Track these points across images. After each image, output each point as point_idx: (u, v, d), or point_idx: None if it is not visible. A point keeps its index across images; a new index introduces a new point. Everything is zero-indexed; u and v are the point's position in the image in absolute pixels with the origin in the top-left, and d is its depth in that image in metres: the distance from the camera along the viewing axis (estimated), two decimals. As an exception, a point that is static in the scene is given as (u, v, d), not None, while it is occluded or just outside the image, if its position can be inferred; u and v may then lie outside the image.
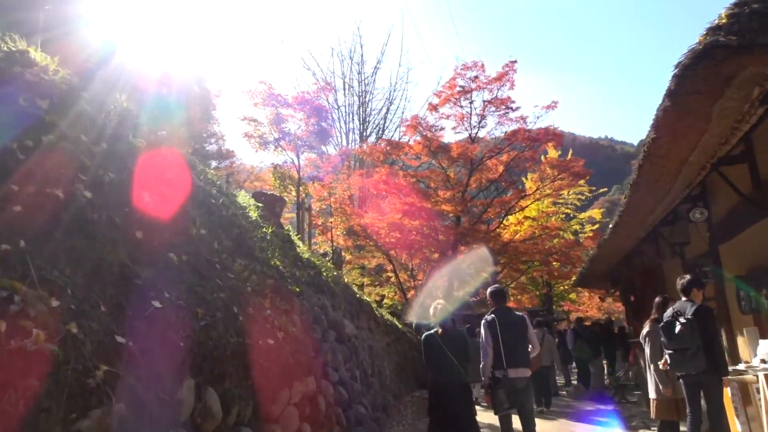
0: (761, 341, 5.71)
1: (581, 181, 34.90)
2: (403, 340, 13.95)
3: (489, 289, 6.56)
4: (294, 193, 13.11)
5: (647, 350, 6.17)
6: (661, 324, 5.60)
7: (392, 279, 23.03)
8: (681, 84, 3.98)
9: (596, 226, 32.30)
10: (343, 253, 17.33)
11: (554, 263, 20.94)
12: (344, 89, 30.78)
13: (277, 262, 5.02)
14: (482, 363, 6.03)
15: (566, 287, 36.93)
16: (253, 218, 5.66)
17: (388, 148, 18.05)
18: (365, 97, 31.25)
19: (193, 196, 4.04)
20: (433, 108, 17.75)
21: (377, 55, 30.87)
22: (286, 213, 19.84)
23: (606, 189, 53.31)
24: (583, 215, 33.59)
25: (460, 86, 17.22)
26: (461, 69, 16.86)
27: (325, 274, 6.77)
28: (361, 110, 31.05)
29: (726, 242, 7.61)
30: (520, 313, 6.61)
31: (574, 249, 20.69)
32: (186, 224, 3.65)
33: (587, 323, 15.84)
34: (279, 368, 3.58)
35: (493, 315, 6.18)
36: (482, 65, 16.67)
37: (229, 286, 3.63)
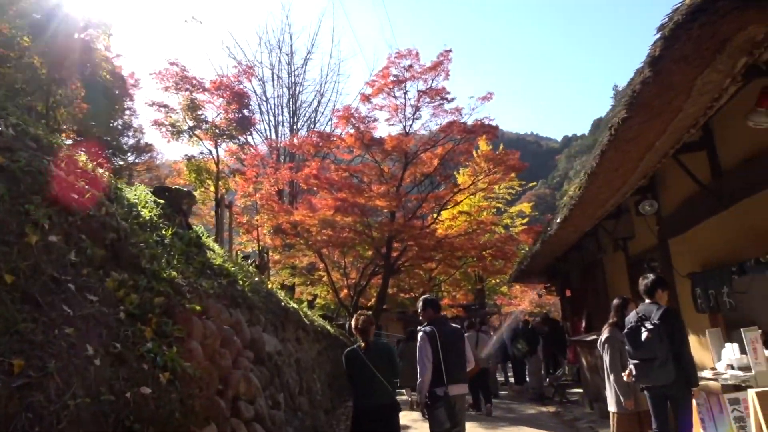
0: (727, 345, 5.21)
1: (512, 175, 35.32)
2: (336, 345, 13.02)
3: (423, 298, 5.88)
4: (213, 189, 11.82)
5: (606, 358, 5.55)
6: (625, 330, 4.97)
7: (324, 278, 22.05)
8: (668, 48, 3.28)
9: (526, 219, 32.71)
10: (270, 253, 16.14)
11: (489, 258, 20.65)
12: (273, 80, 29.41)
13: (174, 274, 3.97)
14: (419, 379, 5.37)
15: (498, 281, 37.26)
16: (146, 218, 4.56)
17: (318, 140, 17.00)
18: (295, 89, 29.99)
19: (40, 189, 2.95)
20: (366, 99, 16.88)
21: (307, 45, 29.52)
22: (207, 212, 18.42)
23: (535, 183, 54.54)
24: (513, 209, 33.90)
25: (394, 75, 16.45)
26: (395, 57, 16.09)
27: (242, 282, 5.73)
28: (291, 102, 29.74)
29: (676, 236, 7.19)
30: (456, 325, 5.97)
31: (508, 243, 20.45)
32: (20, 229, 2.57)
33: (528, 320, 15.47)
34: (157, 429, 2.57)
35: (432, 326, 5.49)
36: (417, 53, 15.96)
37: (85, 315, 2.58)
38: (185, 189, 6.15)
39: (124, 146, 21.99)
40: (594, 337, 9.45)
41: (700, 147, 6.01)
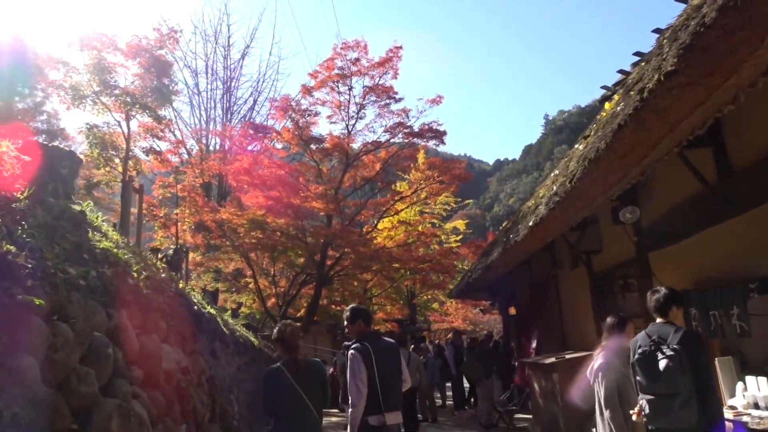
0: (749, 378, 4.26)
1: (447, 192, 34.82)
2: (260, 359, 11.50)
3: (351, 308, 4.80)
4: (120, 169, 10.02)
5: (601, 390, 4.47)
6: (636, 356, 3.91)
7: (251, 285, 20.32)
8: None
9: (460, 237, 32.26)
10: (192, 254, 14.37)
11: (427, 271, 19.68)
12: (207, 73, 27.31)
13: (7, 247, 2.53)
14: (351, 408, 4.33)
15: (430, 297, 36.55)
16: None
17: (253, 132, 15.44)
18: (230, 84, 28.04)
19: None
20: (308, 91, 15.53)
21: (246, 39, 27.65)
22: (111, 199, 16.26)
23: (471, 201, 54.73)
24: (448, 225, 33.43)
25: (339, 68, 15.20)
26: (341, 48, 14.85)
27: (136, 275, 4.26)
28: (225, 98, 27.75)
29: (660, 249, 6.32)
30: (390, 340, 4.85)
31: (448, 257, 19.56)
32: None
33: (475, 338, 14.42)
34: None
35: (365, 343, 4.43)
36: (365, 45, 14.81)
37: None
38: (65, 149, 4.63)
39: (34, 131, 19.50)
40: (552, 359, 8.52)
41: (705, 143, 5.13)
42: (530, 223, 6.36)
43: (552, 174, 7.42)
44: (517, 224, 8.00)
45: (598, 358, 4.61)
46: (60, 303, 2.75)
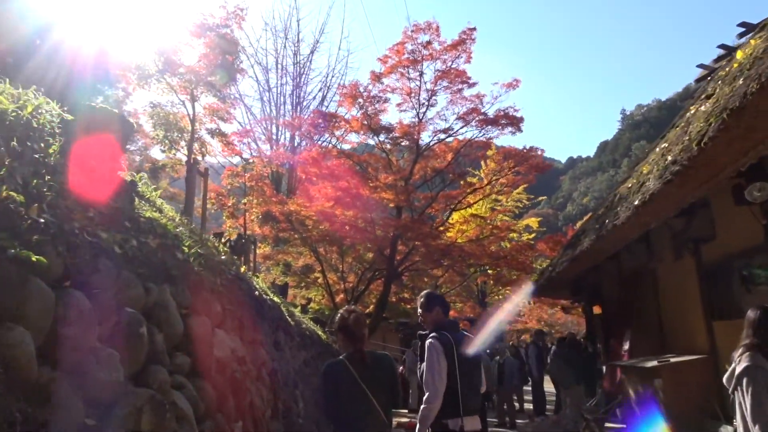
0: None
1: (519, 188, 33.45)
2: (327, 354, 11.01)
3: (427, 293, 4.19)
4: (186, 151, 9.81)
5: (746, 400, 3.55)
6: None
7: (320, 280, 20.07)
8: None
9: (533, 235, 30.90)
10: (260, 246, 14.14)
11: (503, 268, 18.69)
12: (277, 69, 27.41)
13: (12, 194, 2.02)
14: (425, 405, 3.70)
15: (501, 297, 35.26)
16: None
17: (321, 121, 15.05)
18: (300, 80, 28.02)
19: None
20: (377, 78, 14.95)
21: (315, 34, 27.59)
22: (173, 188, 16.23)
23: (544, 198, 52.81)
24: (521, 223, 32.18)
25: (410, 52, 14.54)
26: (412, 31, 14.17)
27: (186, 249, 3.77)
28: (294, 94, 27.78)
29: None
30: (469, 334, 4.13)
31: (525, 253, 18.48)
32: None
33: (563, 337, 13.30)
34: None
35: (446, 333, 3.80)
36: (437, 27, 14.05)
37: None
38: (117, 112, 4.23)
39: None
40: (653, 363, 7.48)
41: None
42: (636, 202, 5.43)
43: (659, 148, 6.44)
44: (614, 208, 7.04)
45: (742, 360, 3.67)
46: (79, 268, 2.22)
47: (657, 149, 6.16)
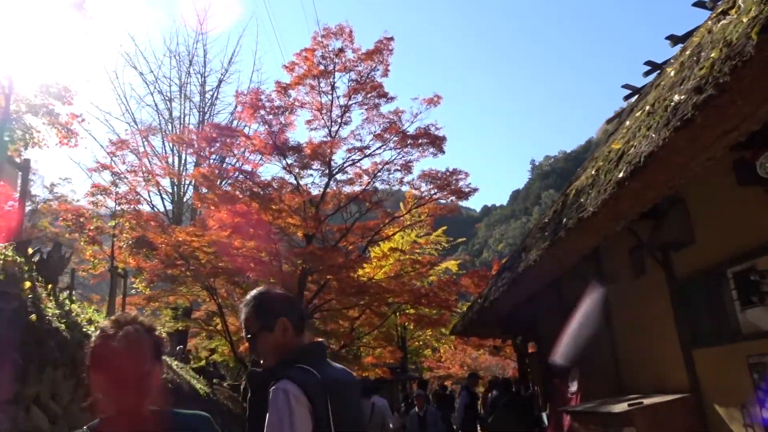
0: None
1: (439, 231, 32.43)
2: (211, 413, 8.64)
3: (258, 293, 2.28)
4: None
5: None
6: None
7: (219, 326, 17.46)
8: None
9: (453, 278, 29.85)
10: (133, 278, 11.56)
11: (424, 307, 16.99)
12: (181, 99, 24.91)
13: None
14: None
15: (421, 342, 33.54)
16: None
17: (216, 134, 12.91)
18: (207, 112, 25.63)
19: None
20: (283, 90, 13.15)
21: (224, 64, 25.40)
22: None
23: (463, 239, 52.64)
24: (440, 266, 31.02)
25: (320, 60, 12.90)
26: (322, 36, 12.59)
27: None
28: (200, 126, 25.39)
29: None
30: (342, 367, 2.22)
31: (448, 289, 16.91)
32: None
33: (507, 379, 11.42)
34: None
35: (307, 367, 2.00)
36: (350, 32, 12.54)
37: None
38: None
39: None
40: (623, 407, 5.85)
41: None
42: (620, 176, 3.84)
43: (629, 122, 5.01)
44: (571, 205, 5.49)
45: None
46: None
47: (629, 122, 4.71)
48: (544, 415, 9.77)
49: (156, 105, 23.83)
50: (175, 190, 15.41)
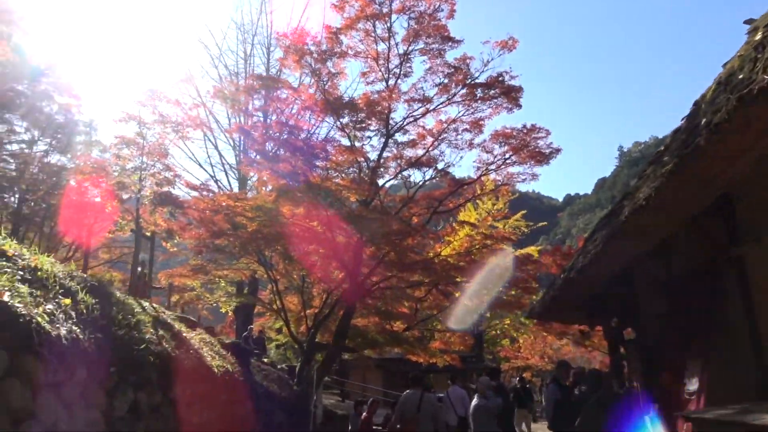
0: None
1: (518, 216, 29.95)
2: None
3: None
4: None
5: None
6: None
7: (275, 304, 16.39)
8: None
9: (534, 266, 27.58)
10: (165, 243, 10.51)
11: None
12: (246, 72, 23.94)
13: None
14: None
15: (498, 332, 31.34)
16: None
17: (259, 85, 11.52)
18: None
19: None
20: (334, 35, 11.59)
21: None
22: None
23: (545, 223, 49.72)
24: (520, 252, 28.80)
25: (377, 2, 11.21)
26: (379, -32, 10.89)
27: None
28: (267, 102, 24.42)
29: None
30: None
31: (527, 267, 14.89)
32: None
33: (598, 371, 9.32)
34: None
35: None
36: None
37: None
38: None
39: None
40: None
41: None
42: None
43: None
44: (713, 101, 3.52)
45: None
46: None
47: None
48: (648, 420, 7.68)
49: (221, 78, 23.06)
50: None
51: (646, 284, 8.05)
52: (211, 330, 10.76)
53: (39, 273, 4.04)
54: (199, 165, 21.06)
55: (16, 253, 4.11)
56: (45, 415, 3.16)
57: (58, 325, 3.49)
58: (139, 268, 10.69)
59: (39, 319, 3.27)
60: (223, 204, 11.33)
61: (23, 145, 16.29)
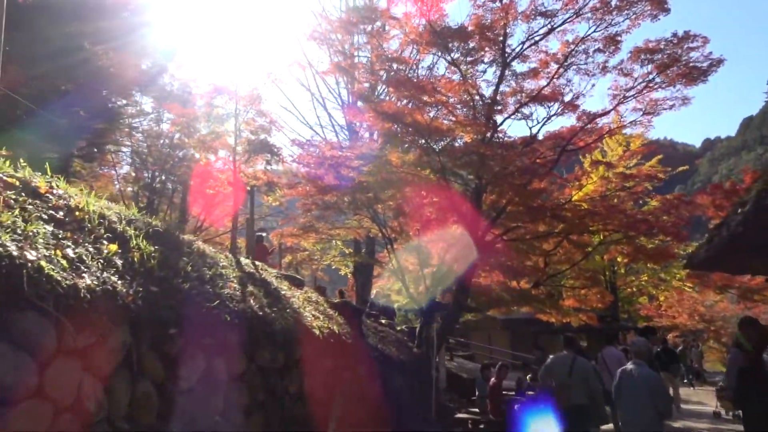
0: None
1: (653, 161, 26.51)
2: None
3: None
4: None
5: None
6: None
7: (392, 263, 15.52)
8: None
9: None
10: (265, 198, 9.89)
11: (641, 237, 12.96)
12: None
13: None
14: None
15: (634, 290, 28.42)
16: None
17: (357, 19, 10.37)
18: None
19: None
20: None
21: None
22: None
23: (685, 167, 44.75)
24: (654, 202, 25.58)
25: None
26: None
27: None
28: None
29: None
30: None
31: (676, 210, 12.65)
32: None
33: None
34: None
35: None
36: None
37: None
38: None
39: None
40: None
41: None
42: None
43: None
44: None
45: None
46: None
47: None
48: None
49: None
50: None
51: None
52: (322, 290, 10.06)
53: (78, 213, 3.23)
54: (310, 127, 20.87)
55: (54, 192, 3.33)
56: (52, 389, 2.28)
57: (79, 274, 2.59)
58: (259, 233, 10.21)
59: (43, 264, 2.36)
60: (328, 155, 10.47)
61: (152, 123, 17.19)
